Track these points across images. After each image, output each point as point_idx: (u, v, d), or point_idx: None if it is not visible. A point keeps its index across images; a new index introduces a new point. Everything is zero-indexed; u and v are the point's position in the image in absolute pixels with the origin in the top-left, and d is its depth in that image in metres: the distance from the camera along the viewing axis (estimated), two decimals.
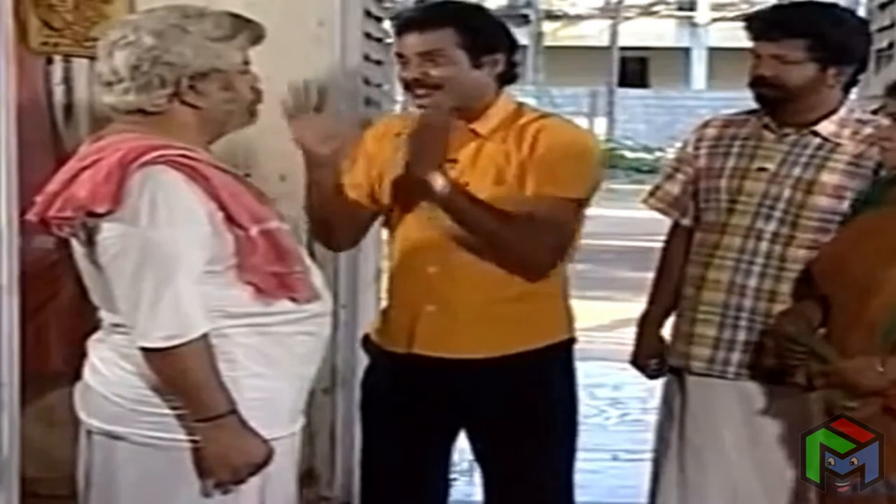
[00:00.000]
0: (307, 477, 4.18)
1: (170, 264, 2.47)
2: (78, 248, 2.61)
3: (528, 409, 3.10)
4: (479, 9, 3.27)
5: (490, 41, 3.07)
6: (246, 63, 2.66)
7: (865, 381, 2.79)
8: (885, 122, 2.96)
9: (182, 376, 2.50)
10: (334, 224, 3.19)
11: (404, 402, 3.15)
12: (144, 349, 2.50)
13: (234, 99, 2.64)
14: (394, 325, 3.17)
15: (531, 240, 3.00)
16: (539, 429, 3.12)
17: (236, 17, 2.66)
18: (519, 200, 2.99)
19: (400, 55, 3.07)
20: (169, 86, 2.57)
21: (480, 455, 3.23)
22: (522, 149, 3.03)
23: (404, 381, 3.14)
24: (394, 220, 3.18)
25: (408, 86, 3.07)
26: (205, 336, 2.50)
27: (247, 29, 2.65)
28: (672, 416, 3.43)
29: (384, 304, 3.29)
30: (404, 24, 3.07)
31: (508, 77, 3.11)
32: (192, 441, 2.55)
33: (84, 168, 2.53)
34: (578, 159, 3.08)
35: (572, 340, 3.19)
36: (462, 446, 3.30)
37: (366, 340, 3.31)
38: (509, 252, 3.01)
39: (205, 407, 2.51)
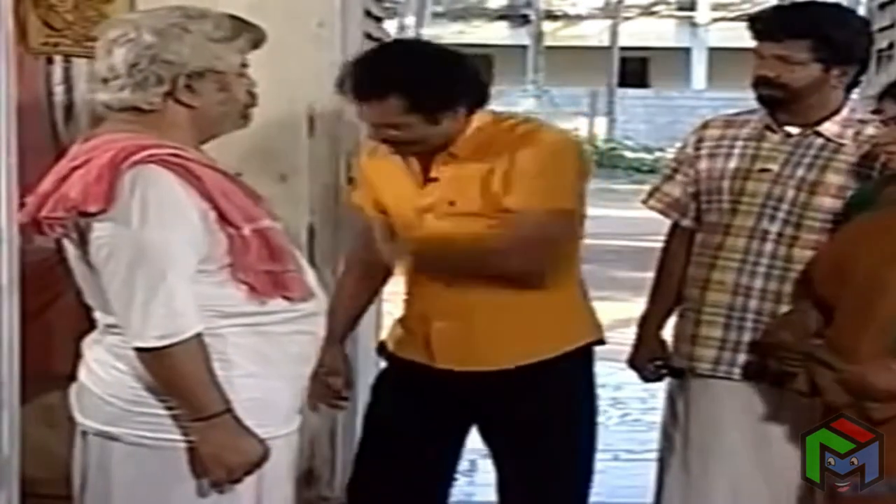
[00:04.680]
0: (307, 477, 4.18)
1: (162, 264, 2.46)
2: (71, 248, 2.60)
3: (549, 414, 3.07)
4: (428, 64, 2.94)
5: (441, 98, 2.91)
6: (244, 66, 2.65)
7: (881, 383, 2.78)
8: (883, 126, 2.95)
9: (176, 376, 2.49)
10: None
11: (417, 407, 3.13)
12: (138, 349, 2.49)
13: (228, 100, 2.63)
14: (409, 336, 3.15)
15: (522, 258, 2.94)
16: (559, 433, 3.10)
17: (238, 19, 2.65)
18: (508, 216, 2.93)
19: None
20: (165, 84, 2.56)
21: (497, 457, 3.19)
22: (503, 159, 2.95)
23: (419, 388, 3.12)
24: (398, 232, 3.15)
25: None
26: (198, 335, 2.49)
27: (247, 32, 2.64)
28: (676, 417, 3.43)
29: (398, 313, 3.26)
30: (352, 94, 2.95)
31: (479, 105, 2.99)
32: (188, 441, 2.55)
33: (75, 168, 2.52)
34: (559, 169, 2.98)
35: (593, 344, 3.15)
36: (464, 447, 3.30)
37: (381, 348, 3.30)
38: (504, 273, 2.98)
39: (199, 406, 2.50)
